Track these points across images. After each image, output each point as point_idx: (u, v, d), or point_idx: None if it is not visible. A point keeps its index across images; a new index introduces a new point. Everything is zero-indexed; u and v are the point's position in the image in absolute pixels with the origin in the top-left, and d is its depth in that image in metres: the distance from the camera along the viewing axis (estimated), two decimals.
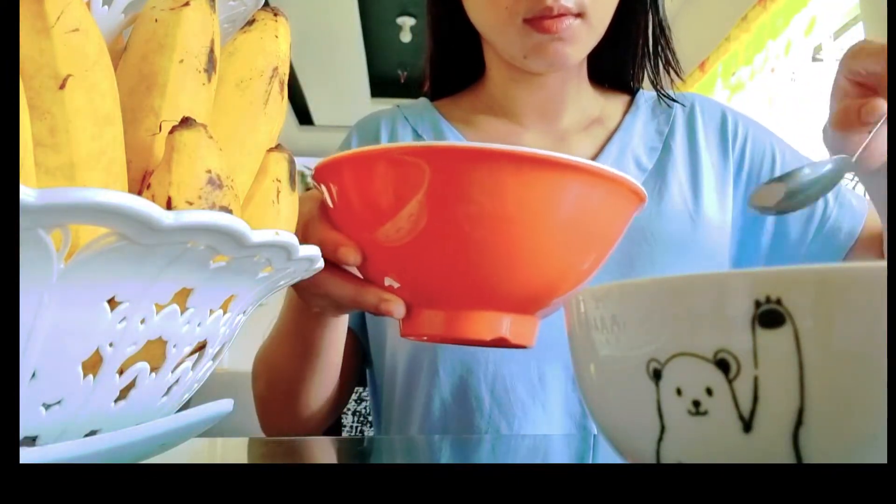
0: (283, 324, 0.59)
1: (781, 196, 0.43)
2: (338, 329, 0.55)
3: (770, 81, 2.85)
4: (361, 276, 0.40)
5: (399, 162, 0.34)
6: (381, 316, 0.39)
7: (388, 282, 0.37)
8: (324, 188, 0.38)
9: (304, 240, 0.38)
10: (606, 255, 0.38)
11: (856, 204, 0.66)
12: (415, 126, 0.72)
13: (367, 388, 0.77)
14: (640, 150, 0.69)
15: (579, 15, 0.59)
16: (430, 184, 0.33)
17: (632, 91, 0.74)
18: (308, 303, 0.45)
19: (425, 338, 0.39)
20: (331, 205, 0.38)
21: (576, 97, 0.71)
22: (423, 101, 0.77)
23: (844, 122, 0.45)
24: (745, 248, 0.68)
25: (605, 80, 0.74)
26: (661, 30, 0.70)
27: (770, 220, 0.67)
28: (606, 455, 0.42)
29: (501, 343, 0.37)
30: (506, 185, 0.32)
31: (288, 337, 0.58)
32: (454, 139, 0.70)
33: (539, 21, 0.59)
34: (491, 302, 0.36)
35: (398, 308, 0.37)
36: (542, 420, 0.60)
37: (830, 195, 0.66)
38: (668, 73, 0.71)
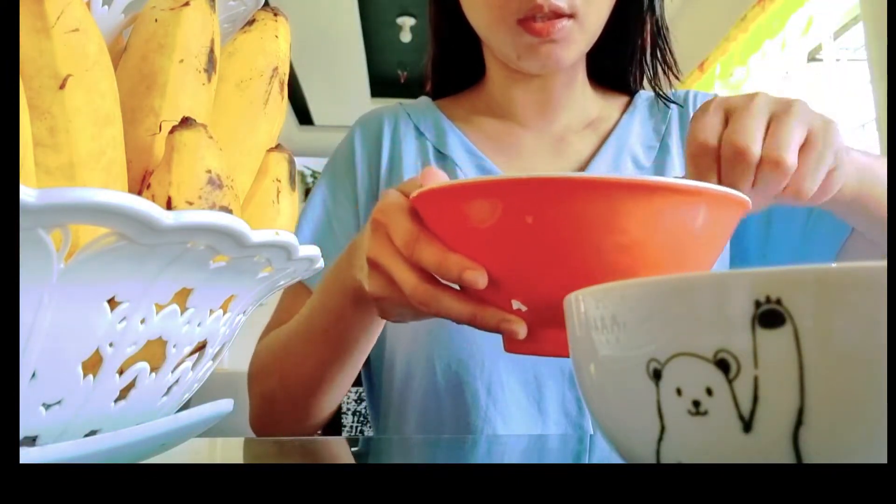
0: (309, 324, 0.58)
1: None
2: (378, 332, 0.55)
3: (766, 81, 2.85)
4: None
5: (535, 196, 0.33)
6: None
7: (515, 305, 0.37)
8: (430, 211, 0.37)
9: (412, 259, 0.37)
10: (717, 258, 0.39)
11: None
12: (417, 123, 0.73)
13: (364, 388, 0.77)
14: (638, 149, 0.69)
15: (571, 16, 0.59)
16: (580, 216, 0.33)
17: (631, 91, 0.75)
18: (383, 311, 0.44)
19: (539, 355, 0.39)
20: (442, 227, 0.37)
21: (575, 98, 0.71)
22: (424, 99, 0.77)
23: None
24: (743, 241, 0.69)
25: (604, 81, 0.75)
26: (660, 30, 0.70)
27: (765, 212, 0.67)
28: (603, 455, 0.42)
29: None
30: (658, 215, 0.33)
31: (318, 338, 0.56)
32: (455, 138, 0.71)
33: (531, 23, 0.59)
34: None
35: (521, 329, 0.36)
36: (537, 418, 0.60)
37: None
38: (667, 74, 0.71)
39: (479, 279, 0.35)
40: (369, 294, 0.42)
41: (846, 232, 0.62)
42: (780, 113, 0.40)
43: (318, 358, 0.57)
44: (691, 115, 0.71)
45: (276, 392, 0.61)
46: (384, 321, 0.55)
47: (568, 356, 0.36)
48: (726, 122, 0.41)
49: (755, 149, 0.39)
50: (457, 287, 0.38)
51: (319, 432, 0.92)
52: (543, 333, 0.37)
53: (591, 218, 0.33)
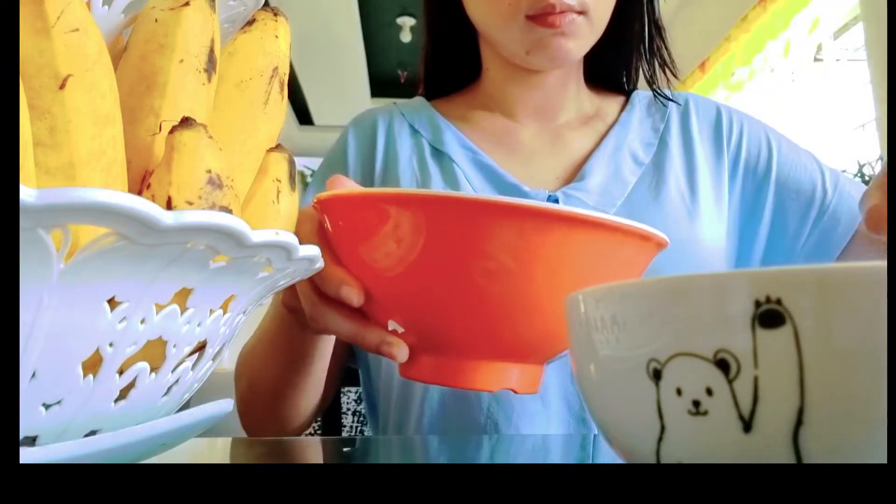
0: (268, 330, 0.58)
1: None
2: (328, 341, 0.55)
3: (769, 81, 2.85)
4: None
5: (414, 211, 0.32)
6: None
7: (391, 325, 0.36)
8: (327, 218, 0.37)
9: None
10: None
11: (855, 194, 0.66)
12: (412, 122, 0.73)
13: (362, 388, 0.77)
14: (637, 145, 0.69)
15: (581, 12, 0.60)
16: (444, 235, 0.32)
17: (627, 92, 0.75)
18: (303, 323, 0.44)
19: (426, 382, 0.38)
20: (333, 236, 0.37)
21: (573, 95, 0.71)
22: (419, 99, 0.77)
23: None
24: (744, 241, 0.69)
25: (600, 81, 0.75)
26: (657, 31, 0.70)
27: (767, 212, 0.67)
28: (606, 456, 0.42)
29: (507, 391, 0.37)
30: (527, 242, 0.31)
31: (273, 344, 0.57)
32: (451, 134, 0.71)
33: (542, 17, 0.59)
34: (500, 353, 0.35)
35: (401, 352, 0.36)
36: (540, 413, 0.60)
37: (829, 185, 0.66)
38: (665, 73, 0.71)
39: (353, 296, 0.35)
40: (283, 303, 0.43)
41: (848, 235, 0.62)
42: None
43: (276, 363, 0.57)
44: (692, 118, 0.71)
45: (248, 397, 0.62)
46: None
47: (456, 385, 0.36)
48: None
49: None
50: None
51: (319, 432, 0.92)
52: (427, 360, 0.36)
53: (456, 239, 0.32)
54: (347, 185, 0.39)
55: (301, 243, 0.38)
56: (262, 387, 0.60)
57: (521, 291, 0.32)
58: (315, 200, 0.37)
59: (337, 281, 0.36)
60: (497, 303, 0.33)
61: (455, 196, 0.31)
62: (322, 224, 0.38)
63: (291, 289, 0.41)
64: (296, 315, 0.43)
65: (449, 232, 0.32)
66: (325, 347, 0.55)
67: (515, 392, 0.36)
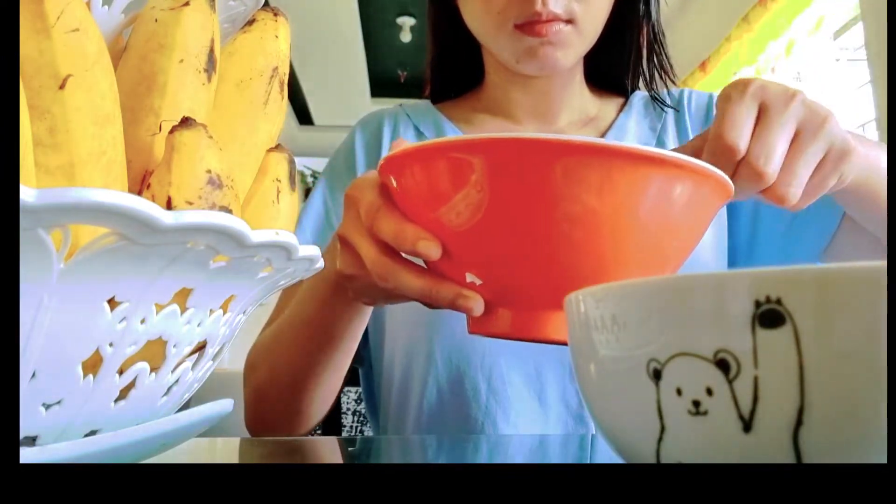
0: (297, 313, 0.58)
1: None
2: (364, 321, 0.55)
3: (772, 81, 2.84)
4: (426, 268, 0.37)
5: (495, 156, 0.31)
6: (453, 309, 0.36)
7: (469, 278, 0.35)
8: (393, 179, 0.36)
9: (372, 231, 0.37)
10: (695, 245, 0.36)
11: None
12: (416, 124, 0.74)
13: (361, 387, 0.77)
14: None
15: (569, 21, 0.60)
16: (527, 180, 0.31)
17: (627, 92, 0.75)
18: (356, 292, 0.43)
19: (499, 335, 0.37)
20: (402, 195, 0.36)
21: (573, 98, 0.72)
22: (425, 102, 0.78)
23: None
24: (733, 233, 0.69)
25: (601, 83, 0.76)
26: (656, 35, 0.71)
27: (750, 202, 0.67)
28: (605, 455, 0.42)
29: None
30: (615, 183, 0.30)
31: (304, 327, 0.56)
32: (454, 136, 0.71)
33: (529, 26, 0.60)
34: None
35: (478, 305, 0.35)
36: (538, 411, 0.60)
37: None
38: (663, 78, 0.72)
39: (432, 249, 0.34)
40: (340, 273, 0.42)
41: (832, 228, 0.62)
42: (806, 135, 0.39)
43: (305, 348, 0.56)
44: (686, 115, 0.72)
45: (266, 385, 0.61)
46: (369, 311, 0.54)
47: (533, 338, 0.35)
48: (757, 115, 0.40)
49: (772, 174, 0.38)
50: (422, 262, 0.37)
51: (319, 432, 0.92)
52: (503, 312, 0.35)
53: (539, 182, 0.31)
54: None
55: (366, 206, 0.37)
56: (284, 375, 0.59)
57: (605, 234, 0.31)
58: (383, 161, 0.36)
59: (412, 236, 0.35)
60: (579, 249, 0.32)
61: (537, 138, 0.30)
62: (385, 187, 0.37)
63: (350, 256, 0.40)
64: (351, 283, 0.42)
65: (532, 176, 0.31)
66: (360, 329, 0.55)
67: None
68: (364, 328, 0.56)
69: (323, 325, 0.54)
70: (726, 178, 0.33)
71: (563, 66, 0.64)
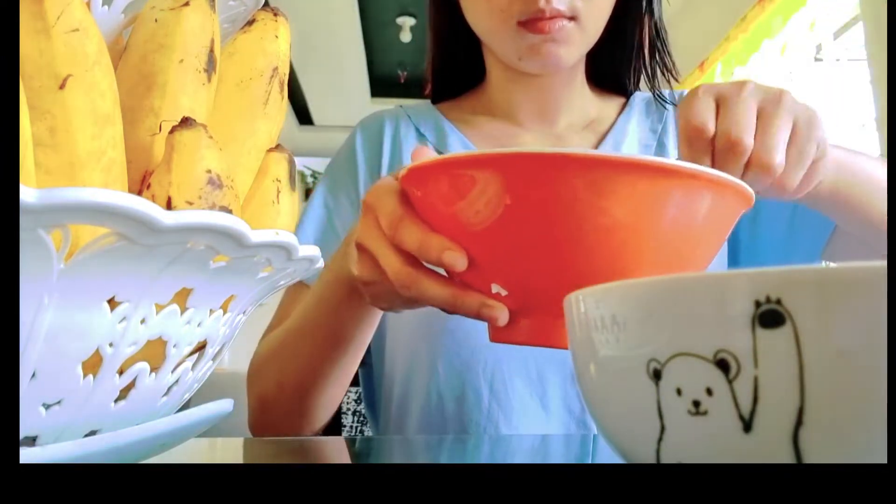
0: (305, 319, 0.57)
1: None
2: (374, 326, 0.55)
3: (766, 82, 2.85)
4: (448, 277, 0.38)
5: (523, 171, 0.32)
6: (477, 318, 0.36)
7: (495, 289, 0.35)
8: (417, 189, 0.36)
9: (395, 240, 0.37)
10: (714, 255, 0.36)
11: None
12: (417, 125, 0.74)
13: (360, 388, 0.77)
14: (634, 148, 0.70)
15: (572, 18, 0.60)
16: (555, 193, 0.31)
17: (627, 93, 0.75)
18: (373, 298, 0.43)
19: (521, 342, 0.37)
20: (427, 205, 0.36)
21: (573, 99, 0.72)
22: (425, 102, 0.78)
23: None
24: (736, 234, 0.69)
25: (602, 83, 0.75)
26: (658, 33, 0.71)
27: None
28: (606, 455, 0.42)
29: None
30: (642, 196, 0.31)
31: (313, 333, 0.56)
32: (456, 139, 0.71)
33: (532, 23, 0.60)
34: None
35: (503, 315, 0.35)
36: (540, 416, 0.60)
37: None
38: (665, 76, 0.72)
39: (459, 261, 0.34)
40: (357, 279, 0.41)
41: (831, 226, 0.62)
42: (769, 107, 0.41)
43: (314, 352, 0.56)
44: None
45: (272, 392, 0.61)
46: (379, 315, 0.54)
47: (554, 345, 0.35)
48: (717, 108, 0.41)
49: (748, 141, 0.39)
50: (442, 271, 0.37)
51: (319, 432, 0.92)
52: (526, 321, 0.36)
53: (569, 195, 0.31)
54: (431, 156, 0.38)
55: (388, 216, 0.37)
56: (291, 378, 0.59)
57: (629, 246, 0.32)
58: (407, 170, 0.36)
59: (438, 246, 0.35)
60: (605, 260, 0.32)
61: (564, 153, 0.31)
62: (407, 196, 0.37)
63: (369, 263, 0.40)
64: (369, 289, 0.42)
65: (557, 190, 0.31)
66: (369, 331, 0.55)
67: None
68: (372, 332, 0.56)
69: (333, 331, 0.54)
70: (746, 186, 0.34)
71: (565, 64, 0.64)
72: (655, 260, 0.33)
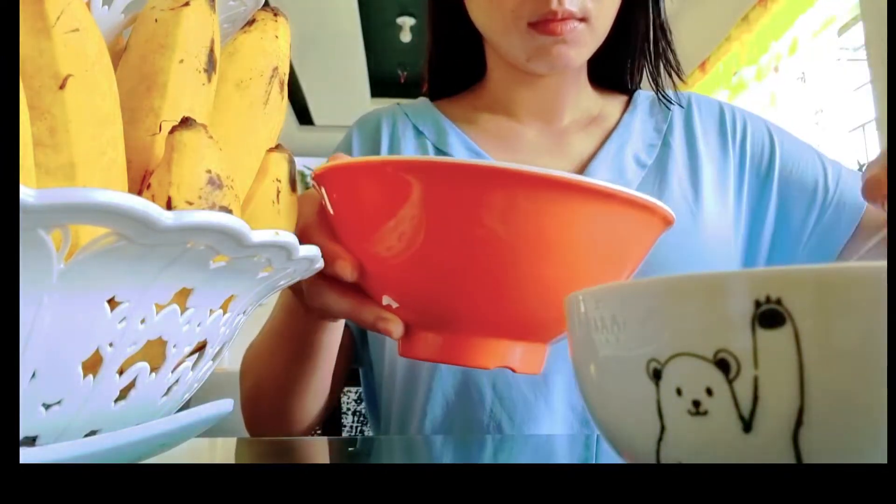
0: (275, 324, 0.59)
1: None
2: (335, 332, 0.55)
3: (774, 81, 2.84)
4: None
5: (402, 177, 0.31)
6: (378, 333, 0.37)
7: (386, 300, 0.36)
8: (324, 192, 0.37)
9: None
10: (630, 275, 0.35)
11: (857, 189, 0.66)
12: (415, 123, 0.73)
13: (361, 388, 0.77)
14: (639, 147, 0.69)
15: (583, 19, 0.60)
16: (436, 202, 0.31)
17: (629, 92, 0.75)
18: (306, 306, 0.44)
19: (424, 360, 0.37)
20: (330, 210, 0.37)
21: (576, 97, 0.71)
22: (422, 100, 0.77)
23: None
24: (750, 238, 0.69)
25: (604, 82, 0.75)
26: (663, 32, 0.70)
27: (771, 208, 0.68)
28: (610, 456, 0.42)
29: (507, 369, 0.36)
30: (520, 209, 0.30)
31: (281, 338, 0.57)
32: (455, 136, 0.71)
33: (543, 24, 0.60)
34: (498, 329, 0.34)
35: (396, 328, 0.36)
36: (544, 415, 0.60)
37: (832, 180, 0.67)
38: (670, 74, 0.71)
39: (347, 270, 0.35)
40: (290, 288, 0.42)
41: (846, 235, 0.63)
42: None
43: (284, 357, 0.57)
44: (695, 117, 0.72)
45: (254, 394, 0.62)
46: (341, 321, 0.54)
47: (458, 363, 0.35)
48: None
49: None
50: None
51: (319, 432, 0.92)
52: (425, 336, 0.36)
53: (444, 205, 0.31)
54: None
55: (302, 223, 0.37)
56: (268, 383, 0.60)
57: (514, 263, 0.31)
58: (313, 175, 0.37)
59: (331, 255, 0.35)
60: (492, 275, 0.32)
61: (449, 161, 0.30)
62: (321, 202, 0.38)
63: None
64: (300, 297, 0.43)
65: (442, 198, 0.31)
66: (332, 338, 0.55)
67: (515, 371, 0.35)
68: (338, 340, 0.56)
69: (297, 335, 0.54)
70: (664, 209, 0.33)
71: (575, 65, 0.64)
72: (548, 277, 0.32)
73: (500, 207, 0.30)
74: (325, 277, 0.37)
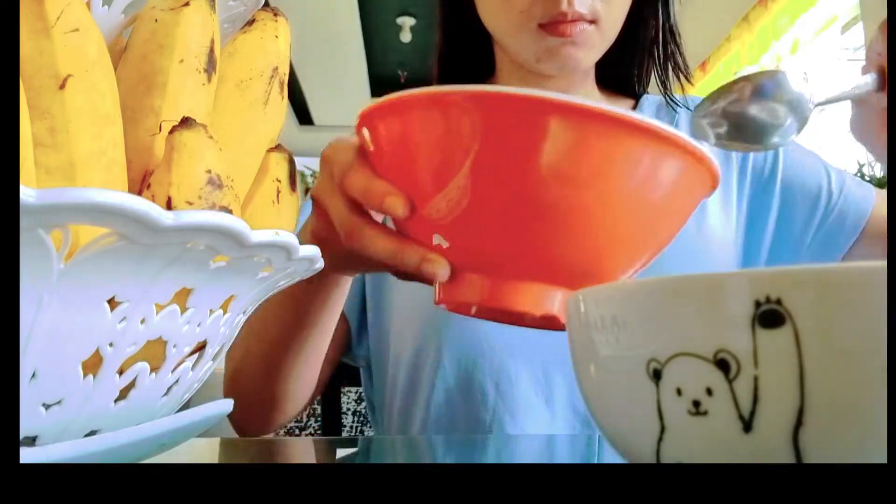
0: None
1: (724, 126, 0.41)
2: (337, 300, 0.54)
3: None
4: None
5: (464, 108, 0.30)
6: (416, 280, 0.35)
7: (436, 240, 0.33)
8: (367, 134, 0.35)
9: (343, 188, 0.36)
10: (672, 238, 0.34)
11: (861, 196, 0.66)
12: None
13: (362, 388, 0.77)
14: None
15: (593, 21, 0.60)
16: (499, 135, 0.29)
17: (636, 96, 0.75)
18: (330, 258, 0.43)
19: (468, 307, 0.35)
20: (373, 150, 0.35)
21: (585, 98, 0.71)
22: None
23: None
24: (750, 243, 0.69)
25: (611, 85, 0.75)
26: (672, 34, 0.70)
27: (773, 213, 0.68)
28: (611, 456, 0.42)
29: (548, 323, 0.34)
30: (588, 146, 0.29)
31: (278, 300, 0.54)
32: None
33: (553, 25, 0.60)
34: (546, 273, 0.32)
35: (443, 269, 0.33)
36: (545, 414, 0.60)
37: (835, 186, 0.66)
38: (678, 77, 0.71)
39: (399, 206, 0.33)
40: (313, 235, 0.41)
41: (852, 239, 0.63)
42: None
43: (278, 325, 0.55)
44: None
45: (239, 366, 0.60)
46: (344, 291, 0.53)
47: (500, 306, 0.33)
48: None
49: None
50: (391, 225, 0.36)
51: (319, 432, 0.92)
52: (469, 278, 0.34)
53: (508, 137, 0.29)
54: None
55: (340, 167, 0.36)
56: (257, 351, 0.58)
57: (576, 203, 0.30)
58: (360, 116, 0.35)
59: (380, 192, 0.34)
60: (548, 214, 0.30)
61: (514, 92, 0.29)
62: (363, 144, 0.36)
63: (322, 218, 0.39)
64: (324, 248, 0.42)
65: (504, 133, 0.29)
66: (332, 305, 0.53)
67: (557, 324, 0.33)
68: (338, 310, 0.55)
69: (298, 301, 0.53)
70: (715, 166, 0.32)
71: (583, 67, 0.64)
72: (604, 220, 0.31)
73: (568, 143, 0.29)
74: (366, 218, 0.36)
